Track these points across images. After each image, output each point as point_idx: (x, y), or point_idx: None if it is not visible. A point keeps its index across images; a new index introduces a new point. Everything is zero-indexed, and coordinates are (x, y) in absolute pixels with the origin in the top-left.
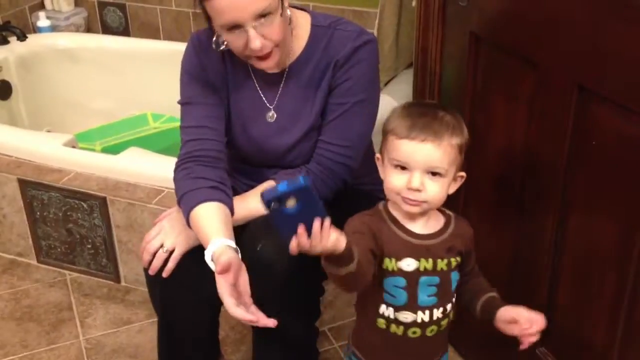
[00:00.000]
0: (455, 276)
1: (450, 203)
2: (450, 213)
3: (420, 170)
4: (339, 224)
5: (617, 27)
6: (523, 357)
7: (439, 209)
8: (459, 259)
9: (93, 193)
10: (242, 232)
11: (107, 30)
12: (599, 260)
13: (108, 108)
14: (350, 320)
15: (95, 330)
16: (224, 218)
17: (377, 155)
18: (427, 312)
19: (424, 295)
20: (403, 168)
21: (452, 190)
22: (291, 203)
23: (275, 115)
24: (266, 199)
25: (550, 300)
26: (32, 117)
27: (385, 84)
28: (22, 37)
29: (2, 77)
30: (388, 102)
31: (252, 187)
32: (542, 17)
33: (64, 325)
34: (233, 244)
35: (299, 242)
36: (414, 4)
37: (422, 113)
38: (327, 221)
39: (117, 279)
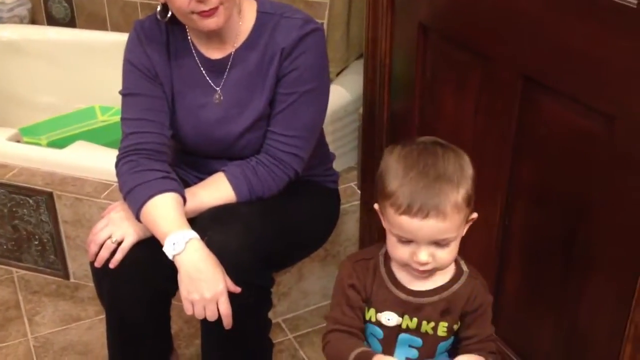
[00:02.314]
0: (443, 346)
1: None
2: (465, 268)
3: (427, 244)
4: (290, 215)
5: (562, 19)
6: None
7: (455, 260)
8: (456, 325)
9: (39, 188)
10: (190, 224)
11: (52, 21)
12: (545, 246)
13: (54, 101)
14: (304, 312)
15: (43, 328)
16: (180, 208)
17: (375, 206)
18: None
19: (402, 356)
20: (407, 241)
21: (463, 233)
22: None
23: (222, 97)
24: None
25: (498, 286)
26: None
27: (337, 75)
28: None
29: None
30: (340, 93)
31: (202, 179)
32: (489, 8)
33: (12, 324)
34: (195, 234)
35: None
36: None
37: (422, 171)
38: None
39: (66, 276)
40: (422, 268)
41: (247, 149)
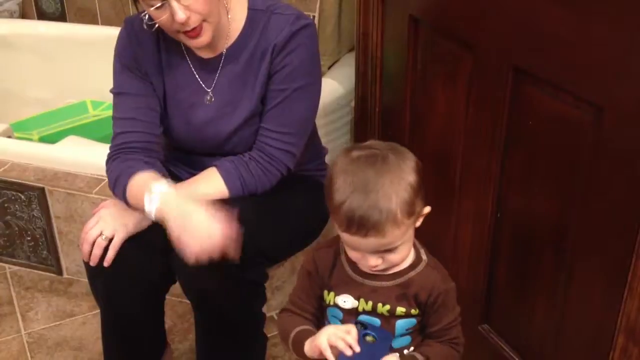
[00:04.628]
0: (403, 324)
1: None
2: (425, 257)
3: (373, 252)
4: (283, 210)
5: (550, 9)
6: (465, 334)
7: (415, 247)
8: (414, 310)
9: (31, 184)
10: None
11: (42, 16)
12: (536, 237)
13: (45, 96)
14: None
15: (37, 324)
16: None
17: None
18: None
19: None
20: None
21: (417, 224)
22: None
23: (213, 98)
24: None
25: (490, 277)
26: None
27: (329, 68)
28: None
29: None
30: (332, 87)
31: (194, 175)
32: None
33: (5, 320)
34: (168, 185)
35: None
36: None
37: (361, 189)
38: None
39: (59, 271)
40: (372, 270)
41: (239, 146)
